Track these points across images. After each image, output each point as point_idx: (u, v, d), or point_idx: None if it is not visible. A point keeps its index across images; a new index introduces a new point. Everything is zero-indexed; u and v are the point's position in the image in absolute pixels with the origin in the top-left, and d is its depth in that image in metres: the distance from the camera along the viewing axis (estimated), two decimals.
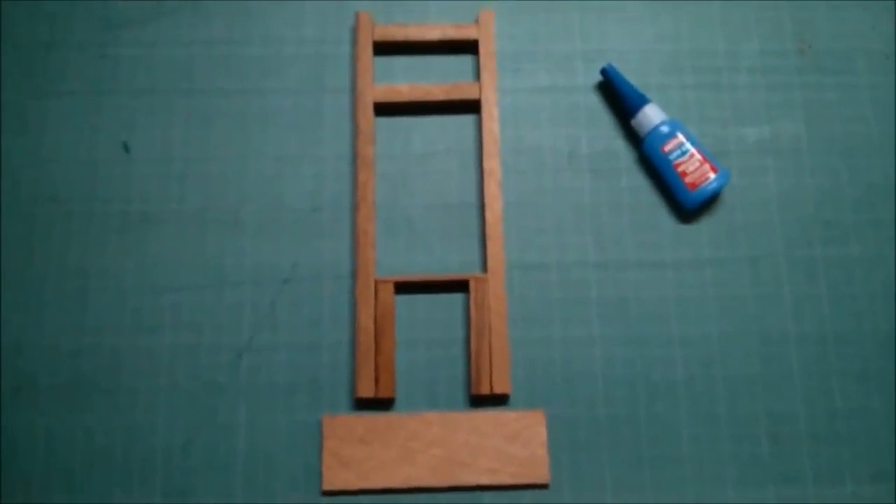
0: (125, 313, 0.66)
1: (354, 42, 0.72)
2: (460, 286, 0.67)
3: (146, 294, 0.67)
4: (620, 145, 0.71)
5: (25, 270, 0.67)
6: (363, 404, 0.65)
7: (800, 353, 0.67)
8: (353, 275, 0.67)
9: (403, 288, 0.67)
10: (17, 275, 0.67)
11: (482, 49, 0.71)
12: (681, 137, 0.68)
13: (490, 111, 0.70)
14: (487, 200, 0.68)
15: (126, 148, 0.70)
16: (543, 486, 0.63)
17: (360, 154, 0.69)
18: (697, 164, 0.68)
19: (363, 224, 0.67)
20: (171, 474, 0.63)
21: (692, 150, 0.68)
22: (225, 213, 0.68)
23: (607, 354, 0.66)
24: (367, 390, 0.64)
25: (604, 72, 0.71)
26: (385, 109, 0.71)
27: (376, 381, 0.64)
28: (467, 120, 0.72)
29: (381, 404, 0.65)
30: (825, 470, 0.64)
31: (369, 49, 0.71)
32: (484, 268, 0.67)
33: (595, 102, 0.72)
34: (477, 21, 0.72)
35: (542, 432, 0.64)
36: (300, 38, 0.73)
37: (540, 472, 0.63)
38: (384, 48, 0.72)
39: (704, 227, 0.69)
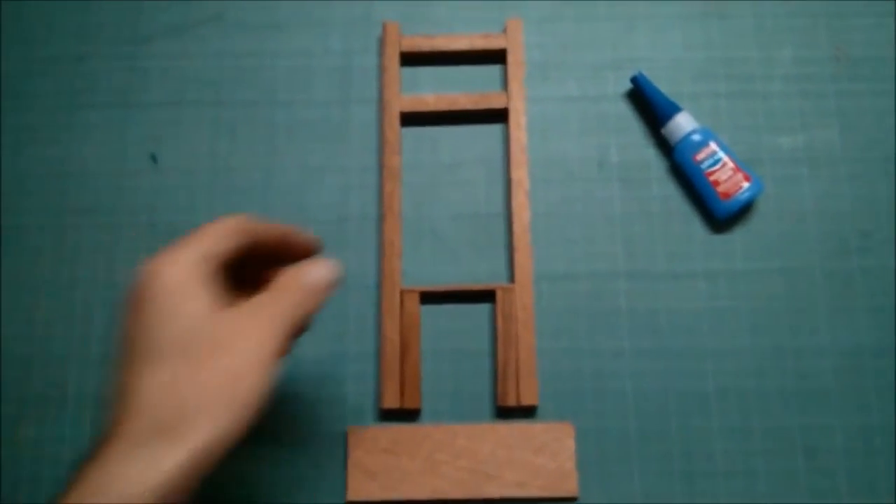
0: None
1: (381, 53, 0.72)
2: (487, 296, 0.67)
3: None
4: (651, 154, 0.70)
5: (53, 281, 0.68)
6: (388, 415, 0.64)
7: (835, 366, 0.65)
8: (379, 286, 0.67)
9: (429, 298, 0.66)
10: (45, 285, 0.68)
11: (510, 58, 0.71)
12: (713, 146, 0.67)
13: (518, 120, 0.69)
14: (515, 210, 0.67)
15: (154, 159, 0.70)
16: (572, 500, 0.62)
17: (387, 165, 0.68)
18: (730, 172, 0.66)
19: (389, 235, 0.67)
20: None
21: (725, 158, 0.67)
22: None
23: (637, 366, 0.65)
24: (392, 401, 0.63)
25: (634, 80, 0.70)
26: (412, 120, 0.71)
27: (401, 391, 0.64)
28: (495, 129, 0.71)
29: (407, 415, 0.64)
30: (861, 485, 0.63)
31: (396, 60, 0.71)
32: (511, 278, 0.67)
33: (625, 111, 0.71)
34: (505, 30, 0.71)
35: (570, 445, 0.63)
36: (327, 49, 0.73)
37: (568, 485, 0.62)
38: (411, 59, 0.72)
39: (737, 237, 0.68)
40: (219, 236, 0.45)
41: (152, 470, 0.38)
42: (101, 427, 0.41)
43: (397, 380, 0.64)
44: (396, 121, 0.69)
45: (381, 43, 0.72)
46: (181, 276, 0.42)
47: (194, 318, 0.42)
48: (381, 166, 0.69)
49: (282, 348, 0.44)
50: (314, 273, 0.48)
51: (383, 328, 0.65)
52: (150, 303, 0.41)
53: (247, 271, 0.48)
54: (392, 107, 0.69)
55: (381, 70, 0.71)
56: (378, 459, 0.63)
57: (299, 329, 0.49)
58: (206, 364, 0.41)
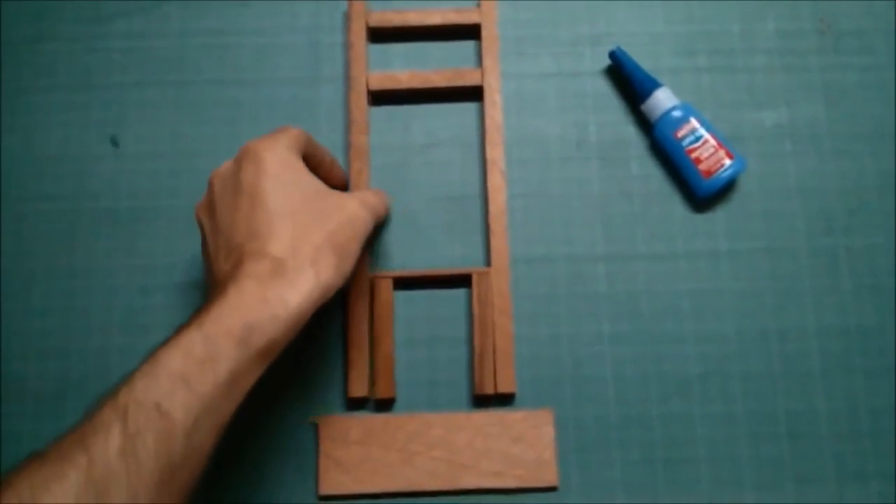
0: (114, 314, 0.64)
1: (347, 30, 0.69)
2: (463, 281, 0.64)
3: (136, 293, 0.64)
4: (631, 132, 0.68)
5: (11, 270, 0.65)
6: (356, 404, 0.62)
7: (821, 348, 0.63)
8: None
9: (403, 283, 0.64)
10: (3, 274, 0.65)
11: (484, 33, 0.68)
12: (694, 122, 0.65)
13: (493, 98, 0.67)
14: (490, 192, 0.65)
15: (114, 142, 0.67)
16: (551, 489, 0.61)
17: (354, 144, 0.66)
18: (712, 150, 0.64)
19: None
20: None
21: (706, 135, 0.65)
22: None
23: (618, 351, 0.63)
24: (359, 390, 0.61)
25: (612, 55, 0.67)
26: (383, 98, 0.68)
27: (375, 380, 0.62)
28: (470, 108, 0.69)
29: (382, 405, 0.62)
30: (849, 469, 0.61)
31: (363, 36, 0.68)
32: (488, 262, 0.65)
33: (603, 88, 0.69)
34: (479, 4, 0.69)
35: (549, 433, 0.61)
36: (294, 26, 0.70)
37: (547, 474, 0.60)
38: (382, 35, 0.69)
39: (720, 216, 0.66)
40: (297, 136, 0.54)
41: (280, 302, 0.46)
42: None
43: (365, 368, 0.61)
44: (363, 99, 0.67)
45: (347, 19, 0.69)
46: (289, 156, 0.52)
47: (308, 187, 0.52)
48: (348, 146, 0.67)
49: (369, 232, 0.54)
50: (387, 200, 0.61)
51: (350, 314, 0.62)
52: (270, 171, 0.50)
53: None
54: (359, 85, 0.67)
55: (347, 47, 0.69)
56: (351, 451, 0.61)
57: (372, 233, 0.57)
58: (319, 226, 0.50)
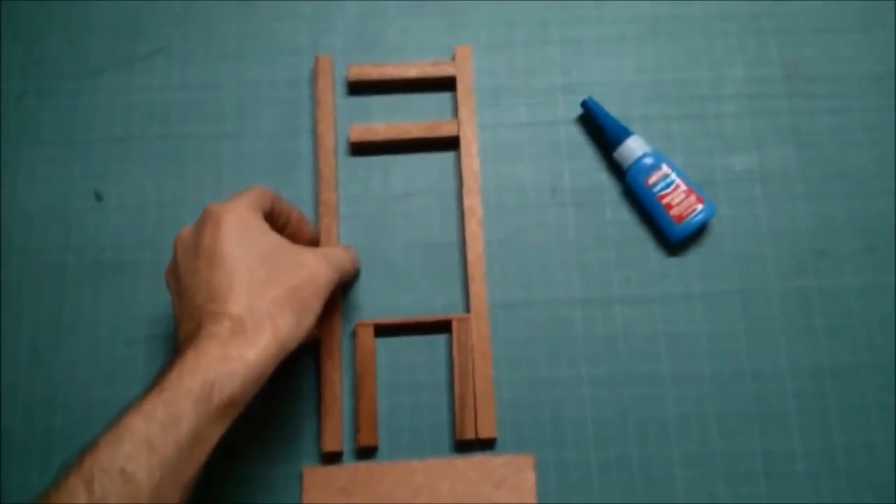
0: (99, 365, 0.65)
1: (314, 86, 0.71)
2: (443, 327, 0.65)
3: (120, 345, 0.65)
4: (604, 179, 0.70)
5: None
6: (331, 459, 0.63)
7: (795, 388, 0.64)
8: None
9: (384, 331, 0.65)
10: None
11: (460, 85, 0.70)
12: (665, 168, 0.66)
13: (469, 148, 0.68)
14: (468, 239, 0.66)
15: (98, 196, 0.69)
16: None
17: (323, 200, 0.67)
18: (683, 195, 0.66)
19: None
20: None
21: (677, 181, 0.66)
22: None
23: (596, 394, 0.64)
24: (333, 444, 0.62)
25: (584, 104, 0.69)
26: (362, 149, 0.70)
27: (358, 428, 0.62)
28: (447, 157, 0.70)
29: (364, 453, 0.63)
30: None
31: (330, 92, 0.69)
32: (467, 308, 0.66)
33: (577, 136, 0.71)
34: (454, 57, 0.71)
35: (530, 477, 0.62)
36: (274, 80, 0.72)
37: None
38: (361, 88, 0.71)
39: (692, 259, 0.67)
40: (259, 195, 0.55)
41: (238, 359, 0.47)
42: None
43: (339, 422, 0.62)
44: (332, 155, 0.68)
45: (314, 76, 0.71)
46: (249, 215, 0.53)
47: (268, 245, 0.53)
48: (317, 202, 0.68)
49: (332, 287, 0.55)
50: (356, 254, 0.63)
51: (323, 368, 0.63)
52: (227, 233, 0.51)
53: None
54: (326, 140, 0.68)
55: (315, 103, 0.70)
56: (334, 500, 0.61)
57: (335, 292, 0.60)
58: (278, 282, 0.51)
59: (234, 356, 0.47)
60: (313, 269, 0.53)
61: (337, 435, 0.62)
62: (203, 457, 0.47)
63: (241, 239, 0.51)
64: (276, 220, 0.58)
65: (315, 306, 0.53)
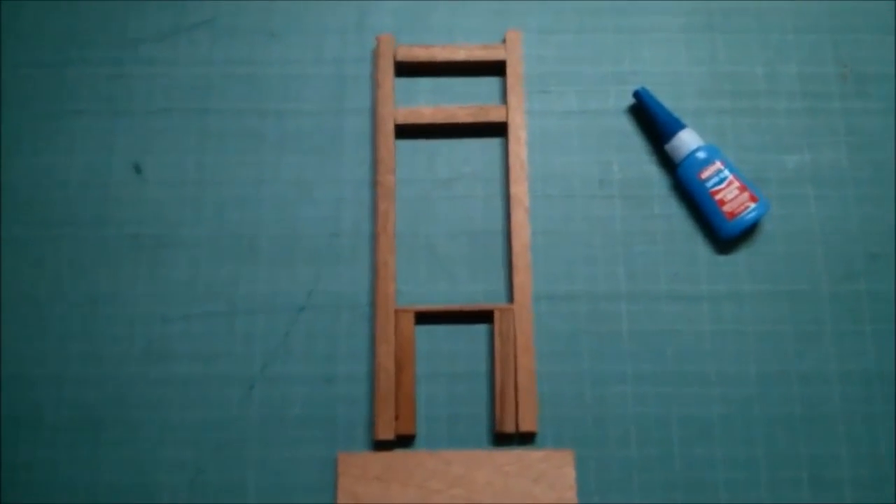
0: (133, 342, 0.64)
1: (375, 67, 0.69)
2: (484, 317, 0.64)
3: (156, 322, 0.64)
4: (654, 171, 0.68)
5: (32, 295, 0.65)
6: (382, 446, 0.62)
7: (843, 392, 0.63)
8: (372, 304, 0.64)
9: (425, 318, 0.64)
10: (23, 299, 0.64)
11: (509, 70, 0.68)
12: (719, 164, 0.65)
13: (517, 135, 0.67)
14: (514, 228, 0.65)
15: (137, 169, 0.67)
16: None
17: (381, 182, 0.66)
18: (736, 192, 0.64)
19: (383, 256, 0.64)
20: None
21: (730, 177, 0.65)
22: (239, 237, 0.66)
23: (640, 391, 0.63)
24: (386, 432, 0.61)
25: (637, 95, 0.68)
26: (407, 132, 0.68)
27: (396, 417, 0.61)
28: (493, 144, 0.69)
29: (401, 441, 0.62)
30: None
31: (391, 74, 0.68)
32: (510, 298, 0.64)
33: (627, 127, 0.69)
34: (504, 42, 0.69)
35: (570, 473, 0.60)
36: (320, 57, 0.70)
37: None
38: (408, 69, 0.69)
39: (742, 258, 0.66)
40: None
41: None
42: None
43: (392, 410, 0.61)
44: (391, 138, 0.67)
45: (375, 56, 0.69)
46: None
47: None
48: (374, 184, 0.67)
49: None
50: None
51: (378, 355, 0.62)
52: None
53: None
54: (386, 123, 0.67)
55: (375, 85, 0.69)
56: (369, 487, 0.60)
57: None
58: None
59: None
60: None
61: (390, 423, 0.61)
62: None
63: None
64: None
65: None
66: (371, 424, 0.62)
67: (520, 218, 0.65)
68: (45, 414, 0.62)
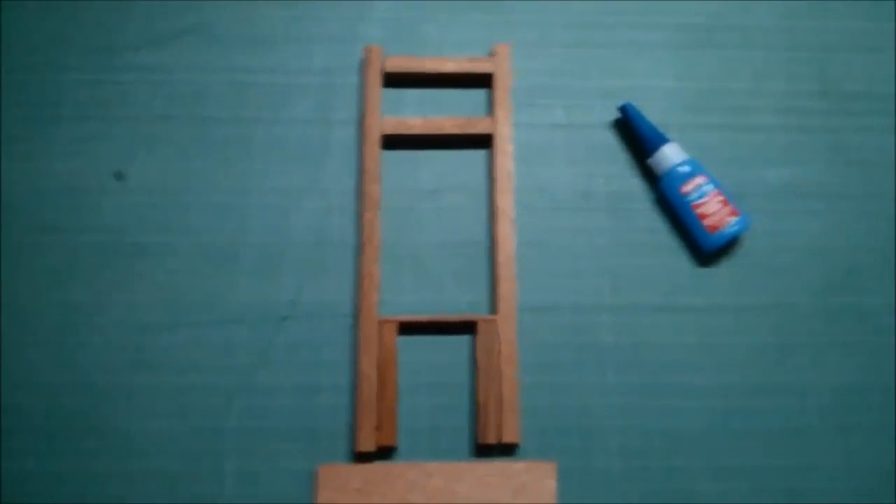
0: (112, 351, 0.63)
1: (363, 77, 0.69)
2: (468, 328, 0.64)
3: (136, 331, 0.63)
4: (637, 185, 0.68)
5: (11, 303, 0.64)
6: (363, 458, 0.61)
7: (822, 405, 0.63)
8: (355, 314, 0.64)
9: (408, 329, 0.64)
10: (4, 307, 0.64)
11: (497, 83, 0.69)
12: (701, 178, 0.65)
13: (504, 147, 0.67)
14: (499, 239, 0.65)
15: (118, 176, 0.67)
16: None
17: (367, 193, 0.66)
18: (718, 206, 0.65)
19: (368, 266, 0.64)
20: None
21: (712, 191, 0.65)
22: (223, 245, 0.66)
23: (622, 403, 0.63)
24: (367, 444, 0.60)
25: (622, 109, 0.68)
26: (394, 142, 0.68)
27: (377, 428, 0.61)
28: (479, 155, 0.69)
29: (382, 453, 0.61)
30: None
31: (378, 85, 0.68)
32: (493, 309, 0.64)
33: (612, 141, 0.69)
34: (492, 54, 0.69)
35: (551, 485, 0.60)
36: (308, 66, 0.70)
37: None
38: (396, 80, 0.70)
39: (724, 271, 0.66)
40: None
41: None
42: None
43: (374, 421, 0.61)
44: (377, 148, 0.67)
45: (363, 66, 0.69)
46: None
47: None
48: (360, 194, 0.67)
49: None
50: None
51: (360, 367, 0.62)
52: None
53: None
54: (372, 134, 0.67)
55: (363, 95, 0.69)
56: (349, 500, 0.59)
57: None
58: None
59: None
60: None
61: (371, 435, 0.60)
62: None
63: None
64: None
65: None
66: (352, 436, 0.61)
67: (505, 229, 0.65)
68: (24, 422, 0.61)
